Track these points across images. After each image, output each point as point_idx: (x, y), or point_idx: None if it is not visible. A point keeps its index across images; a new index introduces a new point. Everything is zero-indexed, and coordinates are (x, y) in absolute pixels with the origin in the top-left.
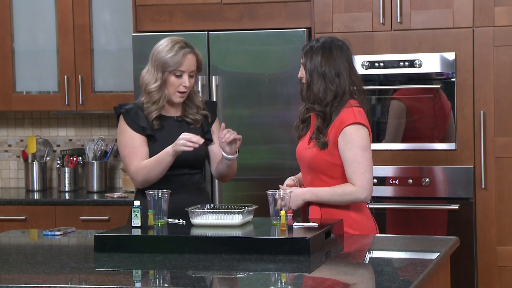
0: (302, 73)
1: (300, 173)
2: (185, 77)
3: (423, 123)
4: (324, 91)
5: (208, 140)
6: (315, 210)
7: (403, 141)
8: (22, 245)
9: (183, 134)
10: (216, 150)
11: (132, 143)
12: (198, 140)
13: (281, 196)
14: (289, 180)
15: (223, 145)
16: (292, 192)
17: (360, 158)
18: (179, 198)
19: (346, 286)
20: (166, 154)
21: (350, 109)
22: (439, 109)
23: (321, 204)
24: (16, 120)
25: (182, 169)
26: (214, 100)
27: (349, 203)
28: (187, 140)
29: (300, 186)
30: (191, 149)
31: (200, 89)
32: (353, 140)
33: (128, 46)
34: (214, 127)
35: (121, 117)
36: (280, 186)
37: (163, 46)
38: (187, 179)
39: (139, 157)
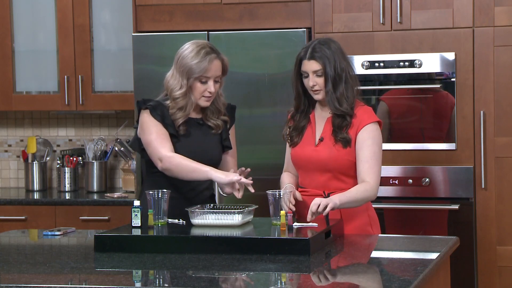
0: (314, 81)
1: (288, 179)
2: (210, 82)
3: (423, 123)
4: (347, 91)
5: (226, 148)
6: (335, 211)
7: (403, 141)
8: (22, 245)
9: (238, 178)
10: (228, 159)
11: (160, 130)
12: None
13: (281, 196)
14: (291, 188)
15: (222, 185)
16: (320, 199)
17: (378, 156)
18: (186, 202)
19: (346, 286)
20: (206, 172)
21: (365, 107)
22: (439, 109)
23: None
24: (16, 120)
25: None
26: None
27: (365, 201)
28: (237, 183)
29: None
30: (230, 192)
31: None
32: (374, 137)
33: (128, 46)
34: (231, 132)
35: (147, 111)
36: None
37: (188, 51)
38: (198, 183)
39: (169, 143)
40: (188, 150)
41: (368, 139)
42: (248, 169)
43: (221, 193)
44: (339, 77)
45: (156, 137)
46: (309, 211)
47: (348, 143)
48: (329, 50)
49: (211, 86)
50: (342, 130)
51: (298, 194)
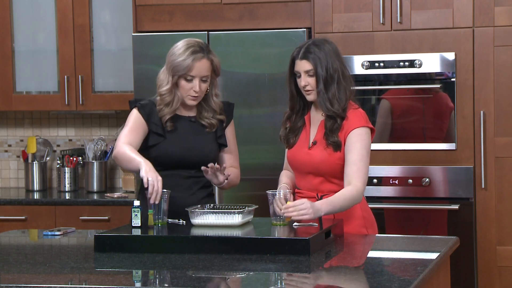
0: (306, 81)
1: (285, 179)
2: (196, 81)
3: (423, 123)
4: (339, 92)
5: (222, 145)
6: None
7: (403, 141)
8: (22, 245)
9: (157, 177)
10: (224, 156)
11: (136, 125)
12: (155, 199)
13: (281, 197)
14: (285, 188)
15: (210, 176)
16: (311, 204)
17: (366, 160)
18: (184, 202)
19: (346, 286)
20: (138, 164)
21: (357, 111)
22: (439, 109)
23: None
24: (16, 120)
25: (189, 170)
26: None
27: (352, 205)
28: (152, 186)
29: (294, 191)
30: (149, 192)
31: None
32: (362, 141)
33: (128, 46)
34: (228, 130)
35: (136, 109)
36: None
37: (177, 48)
38: (194, 182)
39: (134, 138)
40: (179, 147)
41: (356, 143)
42: (217, 166)
43: (214, 184)
44: (331, 77)
45: (127, 130)
46: (293, 205)
47: (338, 147)
48: (322, 51)
49: (196, 86)
50: (333, 133)
51: (290, 197)
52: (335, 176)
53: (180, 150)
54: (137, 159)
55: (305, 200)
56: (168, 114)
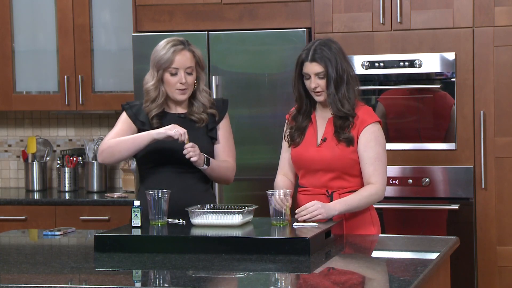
0: (316, 83)
1: (283, 185)
2: (181, 74)
3: (423, 123)
4: (348, 92)
5: (212, 139)
6: None
7: (403, 141)
8: (22, 245)
9: (175, 126)
10: (218, 150)
11: (123, 128)
12: (185, 137)
13: (281, 197)
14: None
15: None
16: (321, 204)
17: (382, 157)
18: (180, 198)
19: (346, 286)
20: (148, 134)
21: (365, 107)
22: (439, 109)
23: None
24: (16, 120)
25: (181, 165)
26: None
27: (372, 204)
28: (179, 132)
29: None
30: (174, 138)
31: (213, 89)
32: (377, 138)
33: (128, 46)
34: (222, 124)
35: (124, 111)
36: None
37: (159, 46)
38: (188, 177)
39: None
40: (166, 143)
41: (371, 141)
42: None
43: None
44: (341, 78)
45: (113, 133)
46: (304, 208)
47: (351, 142)
48: (330, 52)
49: (182, 77)
50: (344, 130)
51: (290, 199)
52: (347, 172)
53: (168, 146)
54: (140, 134)
55: (315, 201)
56: (155, 110)
